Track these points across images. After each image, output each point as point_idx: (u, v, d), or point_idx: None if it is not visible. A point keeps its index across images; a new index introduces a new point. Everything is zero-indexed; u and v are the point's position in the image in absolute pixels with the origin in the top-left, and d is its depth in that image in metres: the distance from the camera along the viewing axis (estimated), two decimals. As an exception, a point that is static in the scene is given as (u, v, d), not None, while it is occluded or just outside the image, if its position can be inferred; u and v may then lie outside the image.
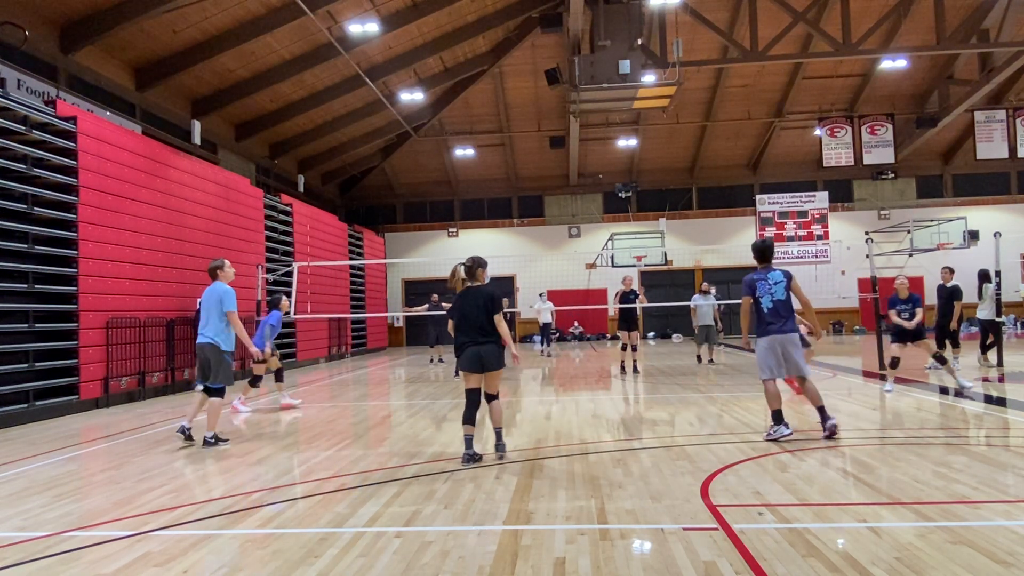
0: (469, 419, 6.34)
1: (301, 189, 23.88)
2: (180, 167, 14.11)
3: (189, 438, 7.48)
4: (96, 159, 11.50)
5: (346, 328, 23.06)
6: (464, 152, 26.97)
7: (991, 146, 23.78)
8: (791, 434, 6.75)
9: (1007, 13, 18.77)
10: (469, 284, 6.44)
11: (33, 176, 10.41)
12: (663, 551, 3.87)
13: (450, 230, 29.19)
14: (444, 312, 14.37)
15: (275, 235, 18.41)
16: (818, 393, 6.90)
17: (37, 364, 10.26)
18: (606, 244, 26.79)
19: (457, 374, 11.85)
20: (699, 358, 15.79)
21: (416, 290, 29.14)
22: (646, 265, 25.95)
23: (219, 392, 7.46)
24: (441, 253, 28.44)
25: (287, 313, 11.13)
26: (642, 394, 10.98)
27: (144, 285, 12.57)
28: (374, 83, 19.83)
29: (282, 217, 19.07)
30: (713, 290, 16.15)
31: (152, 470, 6.39)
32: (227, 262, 7.94)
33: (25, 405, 9.92)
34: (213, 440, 7.41)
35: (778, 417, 6.79)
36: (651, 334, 28.08)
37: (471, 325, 6.28)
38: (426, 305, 18.04)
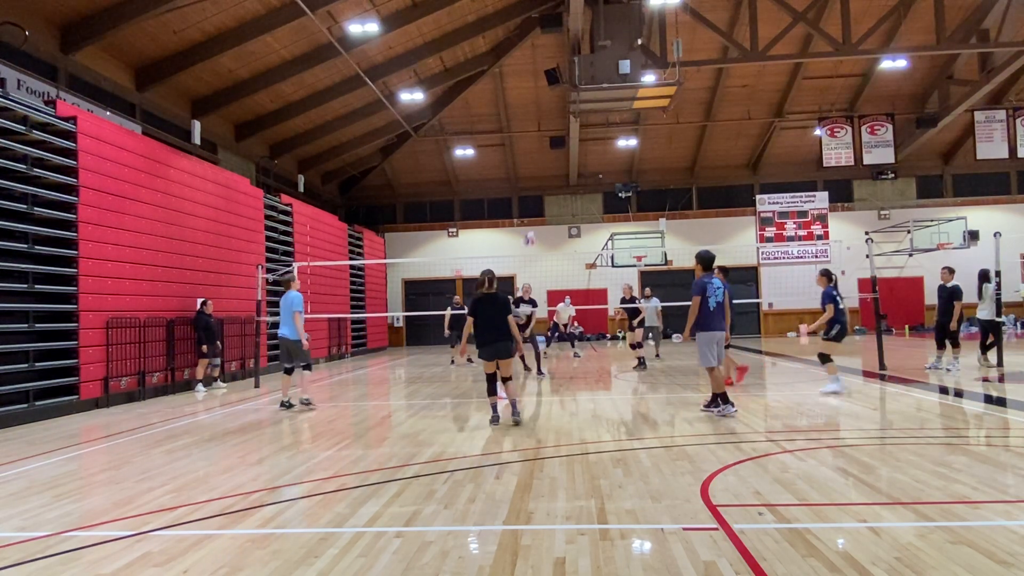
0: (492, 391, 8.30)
1: (301, 189, 23.88)
2: (180, 167, 14.11)
3: (289, 406, 10.09)
4: (96, 159, 11.50)
5: (346, 328, 23.06)
6: (464, 152, 26.97)
7: (991, 146, 23.79)
8: (736, 411, 8.28)
9: (1007, 13, 18.78)
10: (486, 291, 8.15)
11: (33, 176, 10.41)
12: (663, 551, 3.87)
13: (450, 230, 29.19)
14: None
15: (275, 235, 18.41)
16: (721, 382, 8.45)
17: (37, 364, 10.26)
18: (606, 244, 26.79)
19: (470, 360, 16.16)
20: (658, 354, 17.86)
21: (416, 290, 29.15)
22: (646, 265, 25.97)
23: (308, 368, 10.24)
24: (441, 253, 28.44)
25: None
26: (642, 394, 10.97)
27: (144, 285, 12.57)
28: (374, 83, 19.83)
29: (282, 217, 19.07)
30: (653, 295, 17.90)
31: (152, 470, 6.39)
32: (296, 275, 11.22)
33: (25, 405, 9.92)
34: (308, 402, 10.12)
35: (724, 398, 8.35)
36: (651, 334, 28.06)
37: (491, 325, 8.04)
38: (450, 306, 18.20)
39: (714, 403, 8.49)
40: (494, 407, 8.27)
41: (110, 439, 8.34)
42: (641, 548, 3.96)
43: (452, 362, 18.13)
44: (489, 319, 8.04)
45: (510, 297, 8.71)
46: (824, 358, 10.44)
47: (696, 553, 3.81)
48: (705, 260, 8.68)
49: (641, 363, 14.88)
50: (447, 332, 18.00)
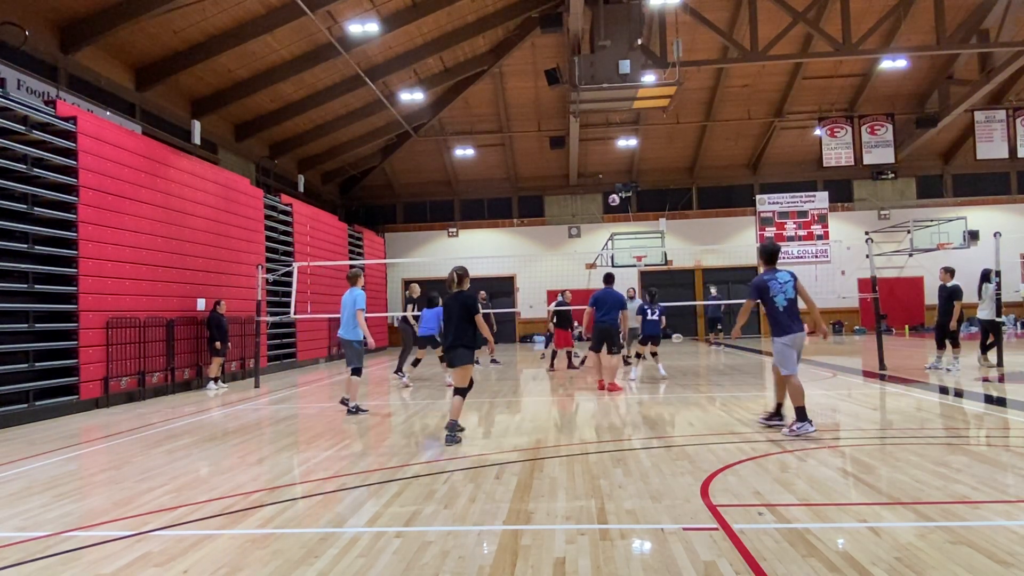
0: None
1: (301, 189, 23.88)
2: (180, 167, 14.12)
3: (346, 403, 9.74)
4: (96, 159, 11.50)
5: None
6: (464, 152, 26.97)
7: (991, 146, 23.79)
8: (814, 431, 6.88)
9: (1007, 13, 18.78)
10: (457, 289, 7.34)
11: (33, 176, 10.41)
12: (663, 551, 3.87)
13: (450, 230, 29.18)
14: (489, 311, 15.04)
15: (275, 235, 18.41)
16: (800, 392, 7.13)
17: (37, 364, 10.26)
18: (606, 244, 26.79)
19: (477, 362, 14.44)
20: (641, 355, 17.03)
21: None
22: (646, 265, 25.96)
23: (357, 372, 9.71)
24: (441, 253, 28.43)
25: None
26: (642, 394, 10.97)
27: (144, 285, 12.57)
28: (374, 83, 19.83)
29: (282, 217, 19.07)
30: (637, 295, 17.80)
31: (152, 470, 6.39)
32: (362, 271, 10.05)
33: (25, 405, 9.92)
34: (345, 402, 9.70)
35: (802, 414, 6.95)
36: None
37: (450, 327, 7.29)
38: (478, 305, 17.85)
39: (777, 415, 7.45)
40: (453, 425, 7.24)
41: (110, 439, 8.34)
42: (641, 548, 3.96)
43: (476, 361, 17.83)
44: (449, 320, 7.26)
45: (479, 295, 7.74)
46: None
47: (696, 553, 3.81)
48: (768, 253, 7.51)
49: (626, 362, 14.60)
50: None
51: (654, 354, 13.51)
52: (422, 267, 28.23)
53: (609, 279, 11.85)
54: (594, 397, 10.66)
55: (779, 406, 7.58)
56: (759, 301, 7.35)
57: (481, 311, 7.35)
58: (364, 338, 9.55)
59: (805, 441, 6.76)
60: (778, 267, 7.42)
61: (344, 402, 9.77)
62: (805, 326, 7.39)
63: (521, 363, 17.90)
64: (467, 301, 7.21)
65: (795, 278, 7.30)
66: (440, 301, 12.57)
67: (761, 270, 7.52)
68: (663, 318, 13.67)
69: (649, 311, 13.21)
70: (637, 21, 17.52)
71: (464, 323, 7.16)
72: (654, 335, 13.41)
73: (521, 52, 22.04)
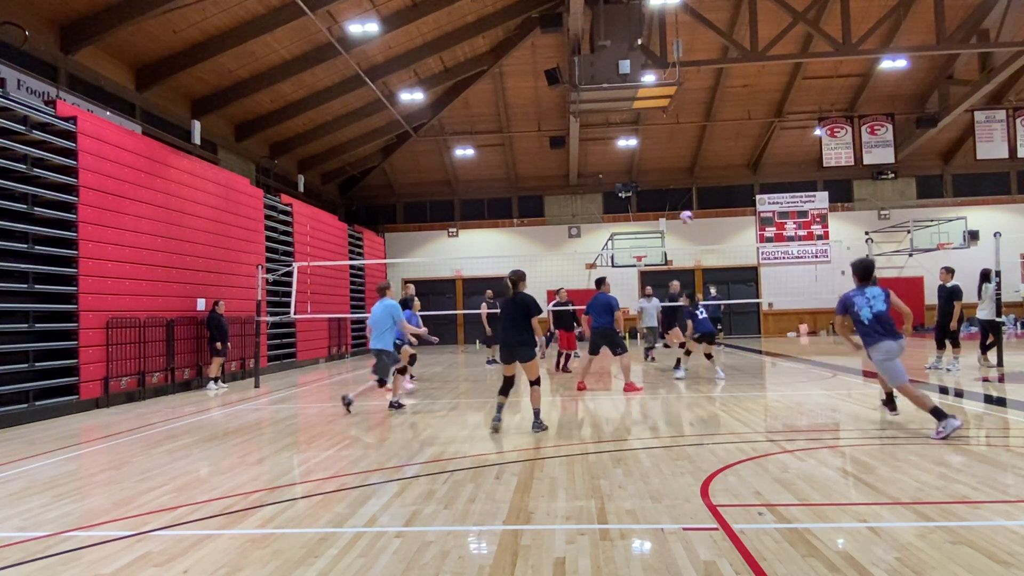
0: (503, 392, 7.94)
1: (301, 189, 23.88)
2: (180, 167, 14.12)
3: (399, 406, 9.93)
4: (96, 159, 11.50)
5: (346, 328, 23.06)
6: (464, 152, 26.97)
7: (991, 146, 23.78)
8: (961, 424, 6.77)
9: (1007, 13, 18.78)
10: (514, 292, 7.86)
11: (33, 176, 10.41)
12: (663, 551, 3.87)
13: (450, 230, 29.18)
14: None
15: (275, 235, 18.41)
16: (920, 397, 7.10)
17: (37, 364, 10.26)
18: (606, 244, 26.78)
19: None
20: (647, 355, 17.38)
21: (416, 290, 29.06)
22: (646, 265, 25.95)
23: (382, 383, 9.74)
24: (441, 253, 28.43)
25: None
26: (642, 394, 10.97)
27: (144, 285, 12.57)
28: (374, 83, 19.83)
29: (282, 217, 19.07)
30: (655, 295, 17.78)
31: (152, 470, 6.39)
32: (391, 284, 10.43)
33: (25, 405, 9.92)
34: (362, 396, 9.89)
35: (939, 413, 6.80)
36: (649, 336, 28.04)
37: (510, 327, 7.82)
38: (484, 304, 17.40)
39: (940, 419, 6.84)
40: (499, 407, 7.87)
41: (110, 439, 8.34)
42: (641, 548, 3.96)
43: (489, 361, 17.80)
44: (509, 321, 7.82)
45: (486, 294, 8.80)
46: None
47: (696, 553, 3.81)
48: (861, 269, 7.61)
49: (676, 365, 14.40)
50: (489, 331, 17.09)
51: (708, 356, 12.73)
52: (422, 267, 28.23)
53: (599, 283, 11.91)
54: (594, 397, 10.66)
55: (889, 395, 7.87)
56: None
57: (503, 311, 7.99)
58: (410, 338, 10.10)
59: (805, 441, 6.76)
60: (869, 283, 7.55)
61: (394, 405, 9.96)
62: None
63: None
64: (529, 303, 7.75)
65: (888, 294, 7.41)
66: (415, 303, 12.89)
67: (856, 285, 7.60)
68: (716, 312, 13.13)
69: (700, 312, 12.72)
70: (637, 21, 17.52)
71: (526, 322, 7.71)
72: (707, 333, 12.73)
73: (521, 52, 22.04)
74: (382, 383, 9.71)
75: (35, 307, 10.32)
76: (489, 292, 18.00)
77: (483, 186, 29.11)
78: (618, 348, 11.27)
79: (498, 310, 17.30)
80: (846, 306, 7.45)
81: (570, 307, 15.25)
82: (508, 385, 7.92)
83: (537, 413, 7.82)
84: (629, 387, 11.20)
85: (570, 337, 15.07)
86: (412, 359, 12.55)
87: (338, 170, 26.80)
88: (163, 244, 13.19)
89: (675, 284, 16.97)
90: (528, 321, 7.70)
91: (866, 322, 7.24)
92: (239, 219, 16.30)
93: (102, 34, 13.47)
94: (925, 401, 6.97)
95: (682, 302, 14.63)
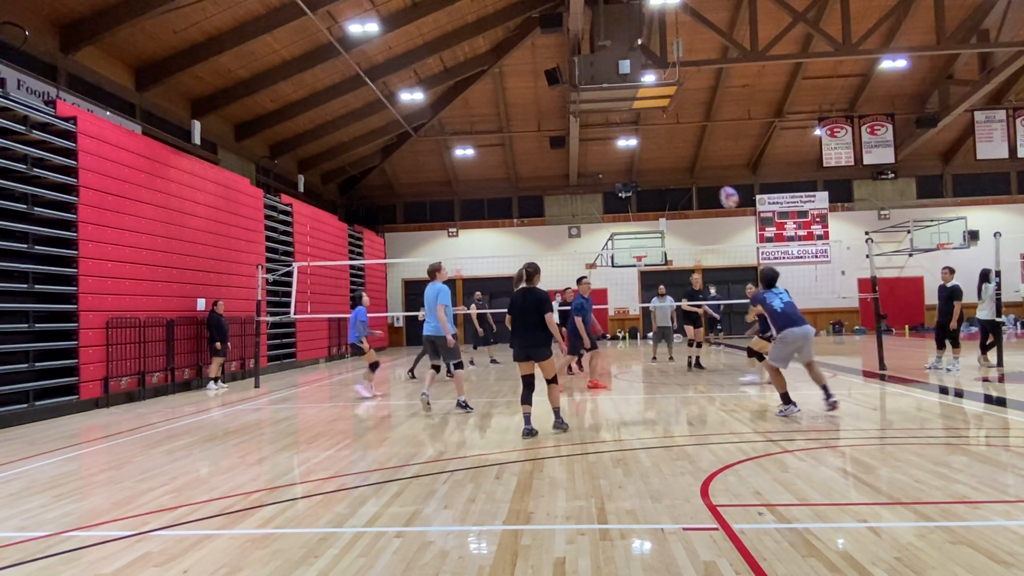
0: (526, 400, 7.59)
1: (301, 189, 23.88)
2: (180, 167, 14.12)
3: (428, 405, 9.37)
4: (96, 159, 11.50)
5: (346, 328, 23.02)
6: (464, 152, 26.97)
7: (991, 146, 23.79)
8: (799, 411, 8.24)
9: (1007, 13, 18.78)
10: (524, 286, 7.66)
11: (33, 176, 10.41)
12: (663, 551, 3.87)
13: (450, 230, 29.18)
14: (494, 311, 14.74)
15: (275, 235, 18.41)
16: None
17: (37, 364, 10.26)
18: (606, 244, 26.79)
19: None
20: (655, 357, 17.30)
21: (416, 290, 29.12)
22: (646, 265, 25.96)
23: (459, 366, 9.50)
24: (441, 253, 28.42)
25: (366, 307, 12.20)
26: (642, 394, 10.97)
27: (144, 285, 12.57)
28: (374, 83, 19.83)
29: (282, 217, 19.07)
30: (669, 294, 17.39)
31: (152, 470, 6.39)
32: (442, 265, 9.88)
33: (25, 405, 9.92)
34: (464, 404, 9.33)
35: (786, 399, 8.28)
36: (650, 334, 28.07)
37: (521, 323, 7.54)
38: (473, 305, 17.15)
39: (786, 404, 8.33)
40: (527, 417, 7.49)
41: (110, 439, 8.34)
42: (641, 548, 3.96)
43: (492, 360, 17.74)
44: (520, 317, 7.52)
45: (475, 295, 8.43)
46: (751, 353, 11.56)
47: (696, 553, 3.81)
48: (767, 279, 8.74)
49: (690, 364, 14.54)
50: (481, 331, 17.12)
51: (761, 358, 11.00)
52: (422, 267, 28.16)
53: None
54: (594, 397, 10.66)
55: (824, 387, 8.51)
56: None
57: (475, 311, 7.83)
58: (443, 334, 9.33)
59: (805, 441, 6.76)
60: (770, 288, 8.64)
61: (461, 404, 9.35)
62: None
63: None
64: (543, 299, 7.50)
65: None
66: (363, 299, 12.16)
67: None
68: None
69: (778, 301, 10.63)
70: (637, 21, 17.53)
71: (540, 319, 7.41)
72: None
73: (521, 52, 22.04)
74: (459, 366, 9.45)
75: (35, 307, 10.32)
76: (478, 294, 18.01)
77: (483, 186, 29.11)
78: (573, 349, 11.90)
79: (488, 311, 17.34)
80: (761, 300, 8.64)
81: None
82: (530, 389, 7.55)
83: (557, 412, 7.67)
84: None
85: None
86: (373, 366, 11.90)
87: (338, 170, 26.80)
88: (163, 244, 13.19)
89: (696, 278, 15.46)
90: (542, 318, 7.39)
91: (778, 311, 8.44)
92: (239, 219, 16.30)
93: (102, 34, 13.48)
94: (781, 386, 8.35)
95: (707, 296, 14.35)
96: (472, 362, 17.58)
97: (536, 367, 7.60)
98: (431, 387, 9.58)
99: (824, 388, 8.42)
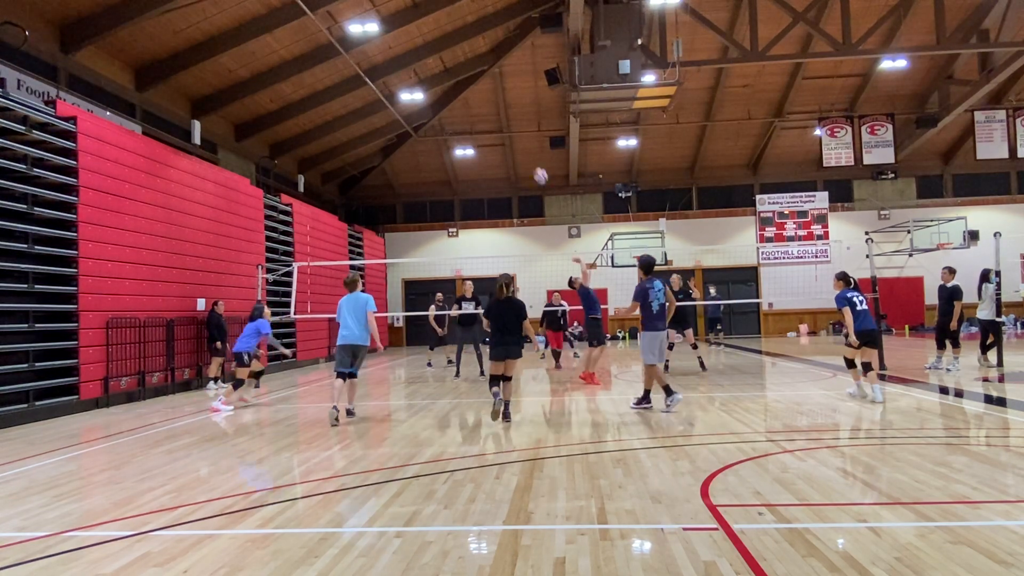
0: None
1: (301, 189, 23.88)
2: (180, 167, 14.11)
3: (337, 420, 8.97)
4: (96, 159, 11.50)
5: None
6: (464, 152, 26.97)
7: (991, 146, 23.78)
8: (681, 399, 8.97)
9: (1007, 13, 18.77)
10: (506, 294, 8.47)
11: (33, 176, 10.41)
12: (663, 551, 3.87)
13: (450, 230, 29.18)
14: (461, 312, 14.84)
15: (275, 235, 18.41)
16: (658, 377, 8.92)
17: (37, 364, 10.26)
18: (606, 244, 26.78)
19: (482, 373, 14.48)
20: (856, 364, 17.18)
21: (416, 290, 29.15)
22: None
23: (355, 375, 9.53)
24: (441, 253, 28.44)
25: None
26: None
27: (144, 285, 12.57)
28: (374, 83, 19.83)
29: (282, 217, 19.07)
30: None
31: (152, 470, 6.39)
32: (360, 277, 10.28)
33: (25, 405, 9.93)
34: (352, 412, 9.39)
35: (668, 391, 8.74)
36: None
37: (505, 328, 8.45)
38: (433, 306, 17.04)
39: (668, 395, 8.89)
40: (495, 393, 8.42)
41: (110, 439, 8.34)
42: (641, 548, 3.96)
43: (449, 361, 17.73)
44: (504, 323, 8.42)
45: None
46: (847, 362, 9.92)
47: (696, 553, 3.81)
48: (645, 264, 9.21)
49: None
50: (441, 332, 16.87)
51: (869, 367, 9.61)
52: (422, 267, 28.25)
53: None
54: (594, 397, 10.66)
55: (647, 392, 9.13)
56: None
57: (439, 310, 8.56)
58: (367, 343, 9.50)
59: (805, 441, 6.76)
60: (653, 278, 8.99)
61: (351, 412, 9.30)
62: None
63: (520, 363, 17.85)
64: (522, 307, 8.51)
65: (665, 283, 9.09)
66: (264, 311, 11.69)
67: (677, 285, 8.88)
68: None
69: (861, 302, 9.63)
70: (637, 21, 17.52)
71: (519, 324, 8.45)
72: (868, 331, 9.56)
73: (521, 52, 22.04)
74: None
75: (35, 307, 10.32)
76: (439, 295, 17.85)
77: (483, 186, 29.11)
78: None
79: (453, 311, 17.14)
80: (643, 295, 8.83)
81: (564, 307, 15.78)
82: (500, 378, 8.50)
83: (507, 404, 8.54)
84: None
85: (558, 336, 16.39)
86: (257, 375, 11.81)
87: (338, 170, 26.80)
88: (163, 244, 13.19)
89: (676, 278, 15.23)
90: (520, 323, 8.42)
91: (655, 311, 8.82)
92: (239, 219, 16.29)
93: (102, 34, 13.47)
94: (660, 380, 8.85)
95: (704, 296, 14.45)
96: (430, 364, 17.62)
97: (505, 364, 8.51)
98: (341, 399, 9.22)
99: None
